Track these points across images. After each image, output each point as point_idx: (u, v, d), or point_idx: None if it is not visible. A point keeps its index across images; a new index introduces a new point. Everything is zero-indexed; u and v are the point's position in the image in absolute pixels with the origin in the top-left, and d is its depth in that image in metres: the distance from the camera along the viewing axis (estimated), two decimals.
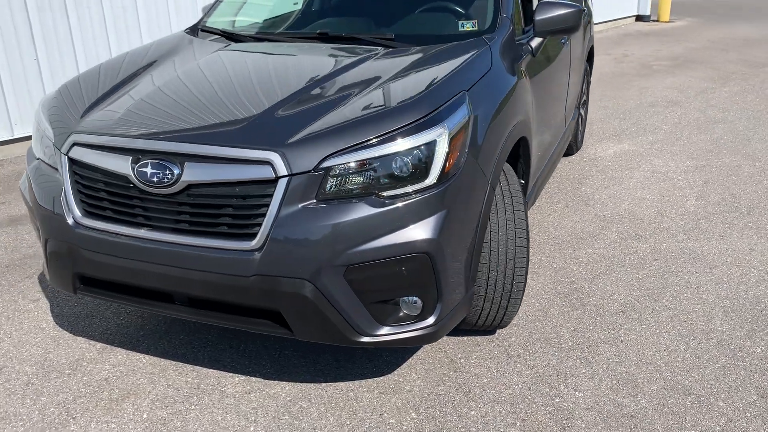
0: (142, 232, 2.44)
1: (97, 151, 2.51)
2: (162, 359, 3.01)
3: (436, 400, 2.70)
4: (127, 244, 2.47)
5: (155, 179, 2.36)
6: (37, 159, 2.84)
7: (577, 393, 2.72)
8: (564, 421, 2.56)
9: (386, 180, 2.30)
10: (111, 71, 3.15)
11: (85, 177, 2.55)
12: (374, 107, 2.45)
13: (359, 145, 2.28)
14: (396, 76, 2.68)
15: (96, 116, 2.67)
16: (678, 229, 4.23)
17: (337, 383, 2.82)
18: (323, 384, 2.82)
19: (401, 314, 2.42)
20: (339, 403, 2.70)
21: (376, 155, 2.28)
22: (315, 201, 2.27)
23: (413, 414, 2.63)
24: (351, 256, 2.25)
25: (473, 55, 2.89)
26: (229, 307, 2.50)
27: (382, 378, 2.84)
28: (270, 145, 2.29)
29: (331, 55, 3.11)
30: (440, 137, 2.34)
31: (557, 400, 2.68)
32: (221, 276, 2.35)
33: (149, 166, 2.37)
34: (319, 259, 2.25)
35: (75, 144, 2.56)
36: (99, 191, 2.52)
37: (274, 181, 2.27)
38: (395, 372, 2.87)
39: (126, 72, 3.07)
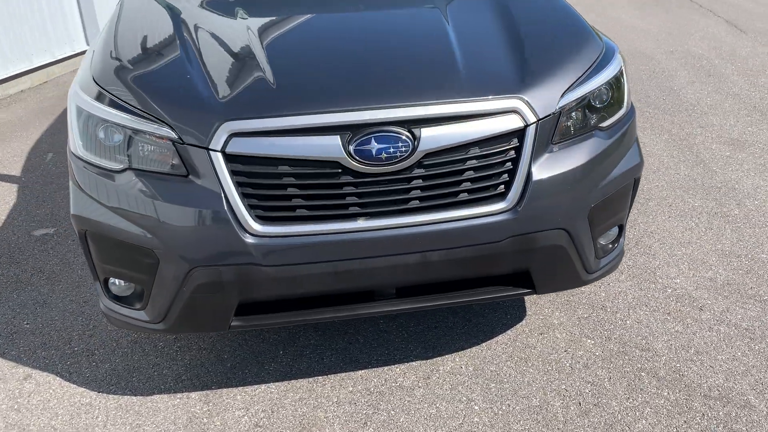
0: (359, 223, 2.02)
1: (273, 138, 1.96)
2: (292, 381, 2.53)
3: (588, 323, 2.80)
4: (332, 244, 2.02)
5: (384, 155, 1.96)
6: (121, 170, 2.06)
7: (694, 292, 3.08)
8: (702, 306, 2.91)
9: (598, 113, 2.27)
10: (146, 43, 2.38)
11: (254, 174, 1.97)
12: (555, 43, 2.38)
13: (578, 81, 2.21)
14: (517, 10, 2.57)
15: (230, 96, 2.04)
16: None
17: (495, 338, 2.73)
18: (483, 344, 2.70)
19: (604, 245, 2.45)
20: (520, 354, 2.63)
21: (589, 90, 2.23)
22: (553, 144, 2.15)
23: (589, 341, 2.71)
24: (596, 194, 2.21)
25: None
26: (450, 284, 2.24)
27: (524, 322, 2.83)
28: (511, 91, 2.07)
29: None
30: (623, 64, 2.38)
31: (678, 291, 3.00)
32: (467, 249, 2.09)
33: (373, 142, 1.95)
34: (574, 204, 2.16)
35: (233, 135, 1.95)
36: (284, 188, 1.98)
37: (520, 131, 2.07)
38: (529, 312, 2.88)
39: (173, 42, 2.34)
